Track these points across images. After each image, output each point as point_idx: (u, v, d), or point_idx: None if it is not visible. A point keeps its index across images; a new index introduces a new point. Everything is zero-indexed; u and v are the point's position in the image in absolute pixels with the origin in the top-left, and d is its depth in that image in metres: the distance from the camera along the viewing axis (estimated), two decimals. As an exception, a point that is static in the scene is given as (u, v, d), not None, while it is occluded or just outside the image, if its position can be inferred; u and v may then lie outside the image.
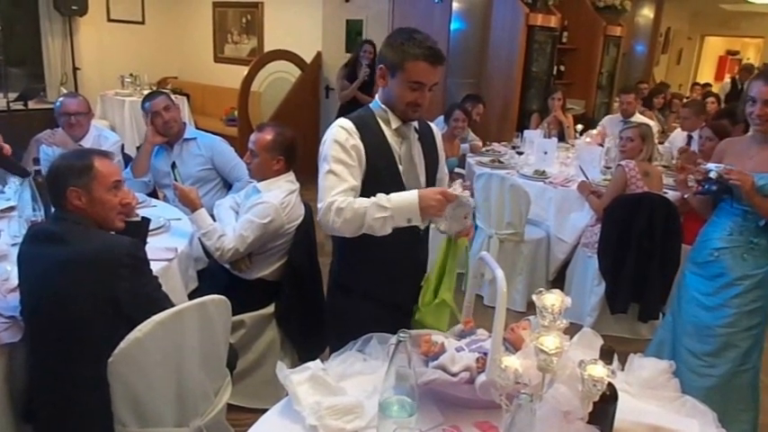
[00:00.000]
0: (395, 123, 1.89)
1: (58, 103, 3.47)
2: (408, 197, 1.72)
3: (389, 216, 1.71)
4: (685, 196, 2.82)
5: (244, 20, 7.85)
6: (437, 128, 2.14)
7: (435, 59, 1.80)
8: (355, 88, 5.59)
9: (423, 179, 1.96)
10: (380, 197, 1.73)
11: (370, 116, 1.91)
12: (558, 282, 4.12)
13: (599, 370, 1.16)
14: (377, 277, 1.96)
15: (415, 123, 1.96)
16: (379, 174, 1.85)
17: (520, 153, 5.05)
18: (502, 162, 4.78)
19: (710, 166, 2.39)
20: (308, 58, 7.04)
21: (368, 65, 5.55)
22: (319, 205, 1.80)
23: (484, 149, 5.16)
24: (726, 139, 2.74)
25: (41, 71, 6.84)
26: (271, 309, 2.76)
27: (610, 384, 1.22)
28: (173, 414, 1.79)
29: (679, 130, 5.46)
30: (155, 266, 2.22)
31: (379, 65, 1.88)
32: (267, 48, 7.45)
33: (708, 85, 10.64)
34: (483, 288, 3.99)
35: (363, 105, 2.00)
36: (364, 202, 1.75)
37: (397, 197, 1.73)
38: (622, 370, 1.68)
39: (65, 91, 5.94)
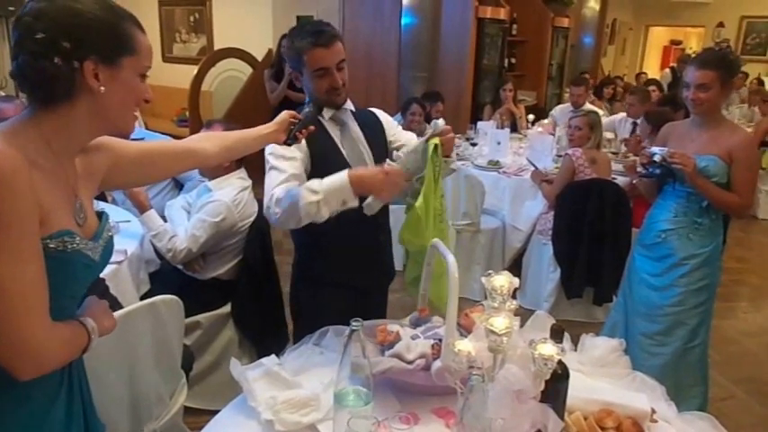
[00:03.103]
0: (328, 113, 1.90)
1: (-7, 108, 3.33)
2: (338, 178, 1.68)
3: (322, 199, 1.67)
4: (633, 181, 2.89)
5: (192, 18, 7.70)
6: (383, 112, 2.13)
7: (326, 40, 1.80)
8: (284, 87, 5.47)
9: (370, 163, 1.96)
10: (312, 181, 1.71)
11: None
12: (515, 269, 4.15)
13: (549, 348, 1.18)
14: (338, 264, 1.96)
15: (351, 107, 1.96)
16: (326, 163, 1.85)
17: (474, 144, 5.10)
18: (456, 154, 4.81)
19: (655, 149, 2.46)
20: (260, 56, 6.94)
21: None
22: (264, 200, 1.80)
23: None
24: (668, 123, 2.83)
25: (-20, 75, 6.58)
26: (227, 308, 2.72)
27: (561, 363, 1.24)
28: (126, 419, 1.75)
29: (621, 114, 5.63)
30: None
31: (289, 70, 1.89)
32: (217, 46, 7.32)
33: (644, 73, 11.01)
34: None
35: (296, 104, 1.99)
36: (299, 189, 1.72)
37: (327, 179, 1.70)
38: (575, 350, 1.72)
39: (2, 94, 5.72)
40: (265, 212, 1.80)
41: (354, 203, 1.71)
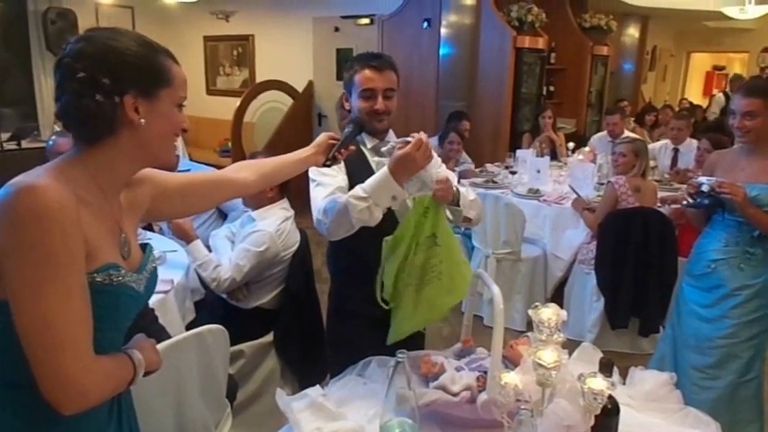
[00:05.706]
0: (370, 143, 1.95)
1: (50, 142, 3.46)
2: (380, 175, 1.71)
3: (372, 204, 1.69)
4: (682, 203, 2.80)
5: (235, 52, 7.94)
6: None
7: (378, 64, 1.88)
8: None
9: (408, 197, 1.97)
10: (356, 190, 1.73)
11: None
12: (557, 299, 4.10)
13: (598, 383, 1.16)
14: (367, 296, 1.96)
15: (394, 140, 1.99)
16: None
17: (513, 173, 5.07)
18: (495, 182, 4.80)
19: (702, 179, 2.40)
20: (300, 87, 7.11)
21: None
22: (313, 214, 1.83)
23: (477, 170, 5.19)
24: (716, 151, 2.77)
25: (34, 110, 6.86)
26: (269, 337, 2.74)
27: (611, 397, 1.21)
28: (173, 447, 1.77)
29: (662, 141, 5.49)
30: (151, 299, 2.21)
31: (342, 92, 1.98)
32: (259, 78, 7.53)
33: (685, 99, 10.85)
34: (482, 308, 3.98)
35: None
36: (346, 198, 1.74)
37: (370, 180, 1.72)
38: (624, 384, 1.68)
39: (58, 129, 5.94)
40: (316, 225, 1.83)
41: (404, 195, 1.73)
